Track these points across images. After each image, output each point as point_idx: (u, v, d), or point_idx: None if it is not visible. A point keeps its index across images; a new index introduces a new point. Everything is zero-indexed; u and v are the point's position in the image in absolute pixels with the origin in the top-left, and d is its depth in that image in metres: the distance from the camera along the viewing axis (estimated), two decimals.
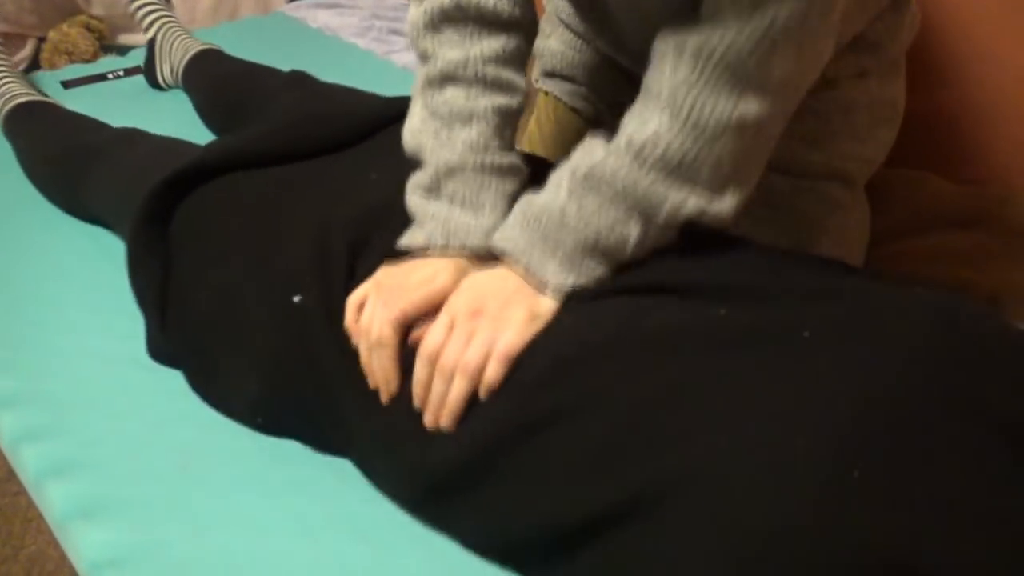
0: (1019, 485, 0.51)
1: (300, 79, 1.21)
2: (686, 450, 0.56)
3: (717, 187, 0.68)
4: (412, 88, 0.80)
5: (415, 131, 0.78)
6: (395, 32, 1.84)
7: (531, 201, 0.72)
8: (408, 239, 0.77)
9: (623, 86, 1.05)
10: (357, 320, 0.74)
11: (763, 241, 0.97)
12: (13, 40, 1.98)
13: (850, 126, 0.99)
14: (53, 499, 0.78)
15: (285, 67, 1.29)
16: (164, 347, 0.91)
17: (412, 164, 0.84)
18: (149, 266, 0.89)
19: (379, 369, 0.72)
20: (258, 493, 0.78)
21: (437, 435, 0.68)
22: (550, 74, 1.14)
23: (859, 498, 0.50)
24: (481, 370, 0.66)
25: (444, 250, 0.74)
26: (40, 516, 0.83)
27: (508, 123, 0.78)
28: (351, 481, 0.78)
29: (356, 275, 0.77)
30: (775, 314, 0.62)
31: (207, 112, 1.40)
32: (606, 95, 1.10)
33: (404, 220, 0.78)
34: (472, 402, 0.68)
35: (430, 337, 0.69)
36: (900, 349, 0.57)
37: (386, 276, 0.74)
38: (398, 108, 0.97)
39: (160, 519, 0.75)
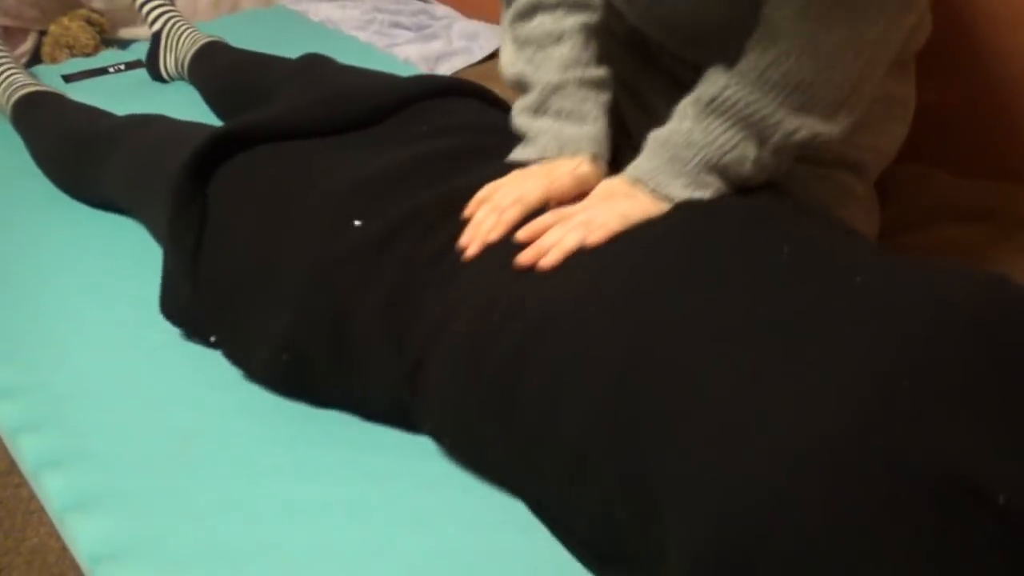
0: None
1: (315, 62, 1.19)
2: (733, 367, 0.57)
3: (831, 111, 0.75)
4: (501, 27, 0.89)
5: (510, 63, 0.87)
6: (397, 25, 1.84)
7: (658, 132, 0.78)
8: (521, 153, 0.84)
9: (638, 66, 1.06)
10: (486, 200, 0.76)
11: None
12: (14, 34, 1.97)
13: (866, 117, 1.00)
14: (51, 490, 0.77)
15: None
16: (185, 299, 0.89)
17: (457, 129, 0.91)
18: (189, 217, 0.88)
19: (495, 223, 0.74)
20: (255, 479, 0.77)
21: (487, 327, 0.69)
22: None
23: (904, 408, 0.51)
24: (601, 227, 0.72)
25: (559, 159, 0.81)
26: (42, 508, 0.82)
27: (592, 36, 0.87)
28: (348, 465, 0.78)
29: (422, 200, 0.78)
30: (831, 261, 0.64)
31: (217, 99, 1.39)
32: (621, 75, 1.10)
33: (465, 168, 0.82)
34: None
35: (564, 208, 0.76)
36: (946, 301, 0.58)
37: (527, 171, 0.80)
38: (428, 85, 0.99)
39: (159, 509, 0.75)
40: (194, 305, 0.89)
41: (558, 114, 0.83)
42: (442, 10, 1.91)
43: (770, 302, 0.61)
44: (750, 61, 0.74)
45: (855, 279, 0.62)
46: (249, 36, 1.61)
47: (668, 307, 0.63)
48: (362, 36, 1.78)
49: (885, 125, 1.03)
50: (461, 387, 0.72)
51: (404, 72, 1.55)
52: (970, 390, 0.53)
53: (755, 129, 0.74)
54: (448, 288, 0.73)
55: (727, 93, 0.74)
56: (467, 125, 0.89)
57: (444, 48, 1.73)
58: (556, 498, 0.68)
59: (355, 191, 0.82)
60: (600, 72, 0.85)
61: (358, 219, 0.79)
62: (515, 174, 0.79)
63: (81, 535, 0.73)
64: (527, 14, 0.86)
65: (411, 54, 1.69)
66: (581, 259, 0.70)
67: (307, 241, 0.81)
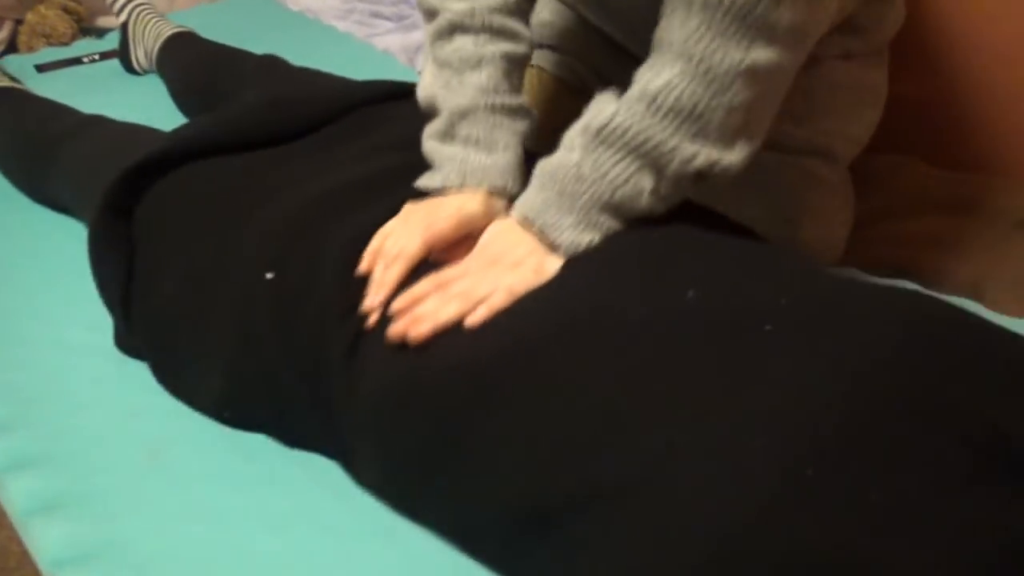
0: (976, 492, 0.50)
1: (272, 64, 1.19)
2: (644, 445, 0.55)
3: (728, 138, 0.70)
4: (423, 50, 0.84)
5: (427, 86, 0.82)
6: (377, 15, 1.82)
7: (546, 162, 0.74)
8: (425, 181, 0.79)
9: (610, 55, 1.06)
10: (379, 250, 0.73)
11: (748, 216, 0.98)
12: None
13: (834, 104, 1.01)
14: (14, 493, 0.76)
15: (264, 50, 1.27)
16: (128, 340, 0.89)
17: (386, 145, 0.85)
18: (111, 258, 0.87)
19: (385, 279, 0.71)
20: (225, 487, 0.76)
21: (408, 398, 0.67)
22: (537, 45, 1.15)
23: (812, 499, 0.49)
24: (481, 301, 0.67)
25: (461, 190, 0.76)
26: (2, 511, 0.81)
27: (515, 68, 0.81)
28: (318, 475, 0.77)
29: (328, 251, 0.75)
30: (742, 303, 0.61)
31: (181, 97, 1.38)
32: (593, 64, 1.11)
33: (379, 197, 0.78)
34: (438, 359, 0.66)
35: (445, 271, 0.71)
36: (862, 349, 0.55)
37: (414, 208, 0.76)
38: (368, 91, 0.96)
39: (124, 514, 0.74)
40: (134, 346, 0.89)
41: (466, 141, 0.78)
42: None
43: (675, 373, 0.58)
44: (641, 86, 0.70)
45: (765, 328, 0.58)
46: (228, 25, 1.60)
47: (572, 389, 0.60)
48: (341, 26, 1.77)
49: (855, 111, 1.02)
50: (382, 463, 0.71)
51: (381, 64, 1.55)
52: (885, 465, 0.50)
53: (649, 159, 0.69)
54: (356, 358, 0.70)
55: (617, 121, 0.69)
56: (402, 139, 0.85)
57: (424, 38, 1.72)
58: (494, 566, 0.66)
59: (268, 236, 0.78)
60: (516, 100, 0.80)
61: (270, 271, 0.76)
62: (402, 213, 0.75)
63: (43, 539, 0.72)
64: (447, 34, 0.80)
65: (390, 44, 1.68)
66: (460, 335, 0.66)
67: (229, 296, 0.79)
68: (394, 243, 0.73)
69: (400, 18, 1.82)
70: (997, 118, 1.21)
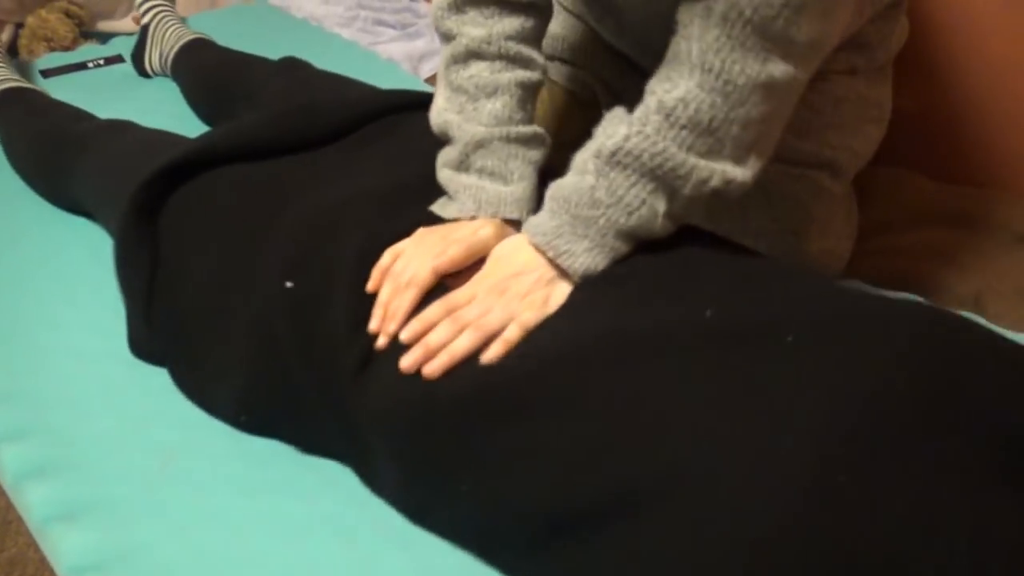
0: (994, 492, 0.51)
1: (292, 66, 1.19)
2: (671, 452, 0.56)
3: (742, 153, 0.70)
4: (437, 71, 0.83)
5: (440, 110, 0.81)
6: (380, 23, 1.82)
7: (559, 186, 0.73)
8: (440, 210, 0.79)
9: (621, 69, 1.07)
10: (388, 269, 0.74)
11: (754, 228, 0.99)
12: None
13: (839, 118, 1.02)
14: (32, 501, 0.77)
15: (268, 57, 1.27)
16: (148, 343, 0.90)
17: (407, 157, 0.85)
18: (137, 259, 0.88)
19: (396, 307, 0.71)
20: (240, 494, 0.77)
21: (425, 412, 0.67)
22: (549, 57, 1.16)
23: (840, 505, 0.50)
24: (496, 333, 0.68)
25: (475, 218, 0.77)
26: (20, 518, 0.81)
27: (529, 96, 0.82)
28: (332, 482, 0.78)
29: (341, 264, 0.76)
30: (760, 317, 0.62)
31: (196, 100, 1.38)
32: (604, 77, 1.12)
33: (396, 211, 0.79)
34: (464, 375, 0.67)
35: (454, 294, 0.71)
36: (884, 356, 0.57)
37: (428, 232, 0.76)
38: (391, 100, 0.97)
39: (141, 521, 0.74)
40: (154, 348, 0.89)
41: (481, 172, 0.78)
42: (426, 8, 1.90)
43: (694, 389, 0.58)
44: (657, 99, 0.69)
45: (786, 339, 0.59)
46: (231, 32, 1.60)
47: (587, 406, 0.61)
48: (345, 33, 1.77)
49: (859, 126, 1.04)
50: (399, 478, 0.71)
51: (386, 72, 1.55)
52: (913, 466, 0.52)
53: (663, 182, 0.69)
54: (366, 376, 0.71)
55: (630, 144, 0.68)
56: (419, 151, 0.85)
57: (428, 47, 1.73)
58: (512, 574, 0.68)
59: (290, 243, 0.79)
60: (530, 130, 0.80)
61: (290, 279, 0.76)
62: (415, 236, 0.75)
63: (62, 546, 0.73)
64: (463, 60, 0.80)
65: (394, 53, 1.69)
66: (475, 359, 0.67)
67: (249, 302, 0.79)
68: (405, 266, 0.73)
69: (404, 26, 1.83)
70: (998, 132, 1.22)
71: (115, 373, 0.91)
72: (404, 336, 0.69)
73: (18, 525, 0.91)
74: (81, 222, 1.15)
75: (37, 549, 0.87)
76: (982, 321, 0.97)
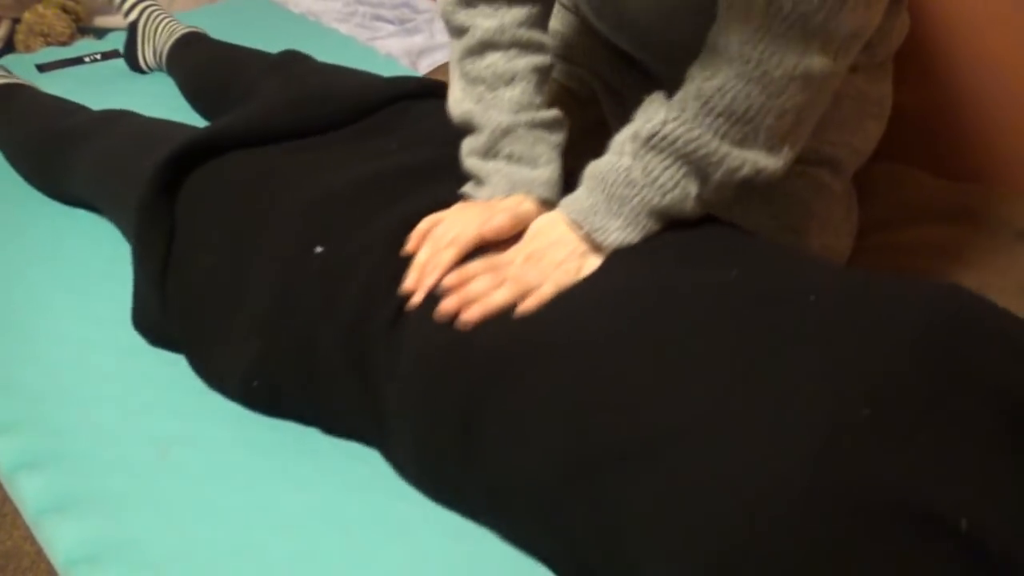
0: (1004, 448, 0.53)
1: (291, 59, 1.18)
2: (694, 397, 0.57)
3: (775, 143, 0.72)
4: (450, 62, 0.85)
5: (458, 101, 0.83)
6: (379, 18, 1.82)
7: (595, 165, 0.76)
8: (472, 192, 0.80)
9: (619, 66, 1.07)
10: (427, 232, 0.75)
11: (755, 225, 0.99)
12: None
13: (840, 115, 1.02)
14: (27, 493, 0.76)
15: (266, 52, 1.27)
16: (155, 316, 0.89)
17: (425, 139, 0.87)
18: (156, 233, 0.87)
19: (434, 265, 0.72)
20: (237, 485, 0.76)
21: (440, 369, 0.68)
22: None
23: (863, 439, 0.51)
24: (532, 290, 0.69)
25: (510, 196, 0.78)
26: (15, 511, 0.81)
27: (544, 79, 0.84)
28: (331, 472, 0.77)
29: (379, 228, 0.77)
30: (783, 281, 0.64)
31: (193, 94, 1.38)
32: (602, 74, 1.12)
33: (426, 185, 0.81)
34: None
35: (495, 256, 0.73)
36: (901, 317, 0.58)
37: (469, 204, 0.78)
38: (403, 87, 0.98)
39: (137, 512, 0.74)
40: (164, 322, 0.89)
41: (509, 158, 0.80)
42: (424, 4, 1.90)
43: (722, 335, 0.60)
44: (696, 85, 0.71)
45: (809, 298, 0.61)
46: (229, 27, 1.59)
47: (621, 350, 0.62)
48: (343, 28, 1.77)
49: (860, 123, 1.04)
50: (419, 433, 0.71)
51: (384, 68, 1.55)
52: (928, 413, 0.53)
53: (696, 166, 0.71)
54: (398, 330, 0.72)
55: (667, 129, 0.71)
56: (434, 134, 0.87)
57: (426, 43, 1.73)
58: (526, 540, 0.68)
59: (317, 211, 0.80)
60: (552, 113, 0.82)
61: (319, 245, 0.77)
62: (456, 207, 0.78)
63: (57, 538, 0.72)
64: (478, 51, 0.83)
65: (393, 48, 1.68)
66: (510, 311, 0.69)
67: (271, 267, 0.80)
68: (447, 229, 0.75)
69: (402, 21, 1.83)
70: (998, 128, 1.22)
71: (112, 364, 0.90)
72: (446, 282, 0.71)
73: (13, 517, 0.91)
74: (78, 213, 1.14)
75: (33, 541, 0.86)
76: None
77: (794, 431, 0.53)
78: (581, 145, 0.84)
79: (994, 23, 1.19)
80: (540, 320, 0.68)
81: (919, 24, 1.19)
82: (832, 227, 1.05)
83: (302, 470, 0.78)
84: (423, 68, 1.68)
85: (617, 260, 0.72)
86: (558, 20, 1.14)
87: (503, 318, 0.69)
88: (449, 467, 0.71)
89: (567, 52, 1.14)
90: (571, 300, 0.68)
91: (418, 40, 1.72)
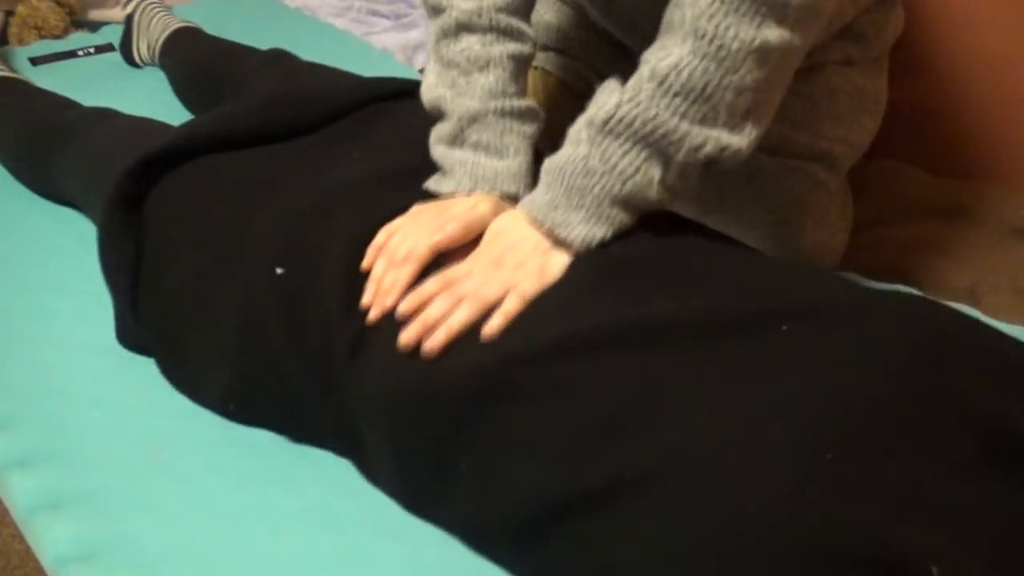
0: (982, 479, 0.52)
1: (279, 57, 1.18)
2: (664, 438, 0.56)
3: (737, 120, 0.69)
4: (428, 46, 0.83)
5: (431, 86, 0.80)
6: (374, 13, 1.81)
7: (552, 159, 0.73)
8: (435, 185, 0.78)
9: (614, 57, 1.06)
10: (382, 247, 0.73)
11: (750, 221, 0.99)
12: None
13: (835, 110, 1.02)
14: (17, 491, 0.76)
15: (261, 47, 1.26)
16: (134, 333, 0.89)
17: (396, 144, 0.84)
18: (122, 247, 0.87)
19: (391, 283, 0.70)
20: (228, 485, 0.76)
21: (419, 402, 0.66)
22: (542, 48, 1.15)
23: (832, 484, 0.50)
24: (494, 304, 0.67)
25: (472, 195, 0.76)
26: (5, 509, 0.81)
27: (521, 69, 0.81)
28: (323, 472, 0.77)
29: (333, 247, 0.75)
30: (755, 308, 0.62)
31: (184, 90, 1.37)
32: (596, 67, 1.11)
33: (388, 196, 0.78)
34: (453, 360, 0.66)
35: (451, 269, 0.70)
36: (874, 345, 0.57)
37: (423, 209, 0.75)
38: (378, 88, 0.96)
39: (128, 511, 0.74)
40: (141, 338, 0.88)
41: (475, 146, 0.77)
42: None
43: (696, 371, 0.58)
44: (650, 67, 0.68)
45: (782, 328, 0.59)
46: (224, 22, 1.59)
47: (592, 388, 0.60)
48: (339, 23, 1.76)
49: (855, 118, 1.03)
50: (395, 468, 0.70)
51: (379, 63, 1.54)
52: (903, 445, 0.52)
53: (657, 148, 0.68)
54: (360, 358, 0.70)
55: (622, 112, 0.68)
56: (405, 137, 0.85)
57: (422, 37, 1.72)
58: (510, 568, 0.67)
59: (278, 231, 0.78)
60: (524, 103, 0.79)
61: (280, 266, 0.75)
62: (410, 213, 0.75)
63: (46, 537, 0.72)
64: (454, 33, 0.79)
65: (388, 43, 1.67)
66: (474, 335, 0.66)
67: (236, 289, 0.79)
68: (401, 242, 0.72)
69: (397, 16, 1.82)
70: (993, 125, 1.22)
71: (103, 363, 0.90)
72: (401, 309, 0.68)
73: (2, 516, 0.91)
74: (67, 212, 1.14)
75: (22, 540, 0.86)
76: (976, 314, 0.97)
77: (761, 478, 0.51)
78: None
79: (989, 19, 1.19)
80: (504, 355, 0.64)
81: (915, 20, 1.18)
82: (827, 223, 1.04)
83: (294, 470, 0.77)
84: (419, 63, 1.67)
85: (582, 284, 0.69)
86: (553, 13, 1.14)
87: (467, 350, 0.65)
88: (428, 504, 0.70)
89: (563, 45, 1.13)
90: (535, 332, 0.65)
91: (414, 35, 1.71)
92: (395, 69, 1.53)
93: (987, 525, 0.50)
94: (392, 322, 0.69)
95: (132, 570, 0.69)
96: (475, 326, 0.67)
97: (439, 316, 0.67)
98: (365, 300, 0.71)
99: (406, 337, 0.67)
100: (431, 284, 0.70)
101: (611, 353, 0.61)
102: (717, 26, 0.66)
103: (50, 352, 0.91)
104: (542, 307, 0.67)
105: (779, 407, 0.54)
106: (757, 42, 0.66)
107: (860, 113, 1.04)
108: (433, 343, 0.66)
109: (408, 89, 0.95)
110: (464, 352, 0.66)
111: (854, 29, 1.00)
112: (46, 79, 1.38)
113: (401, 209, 0.76)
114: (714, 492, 0.52)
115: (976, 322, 0.61)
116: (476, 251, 0.72)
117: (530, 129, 0.79)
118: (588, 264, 0.70)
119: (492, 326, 0.66)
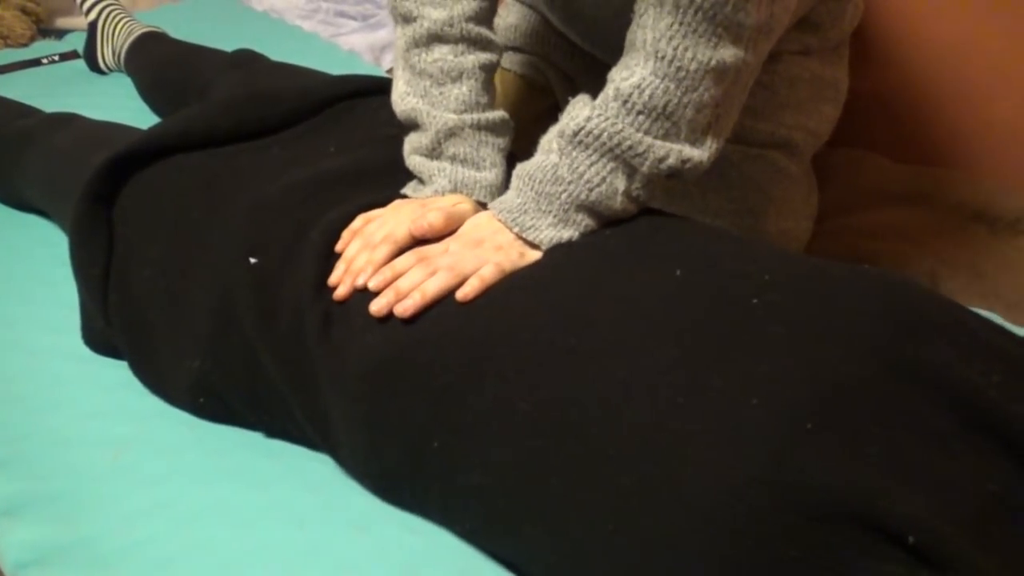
0: (956, 447, 0.52)
1: (245, 58, 1.18)
2: (640, 414, 0.56)
3: (698, 135, 0.72)
4: (394, 52, 0.83)
5: (403, 95, 0.82)
6: (342, 15, 1.81)
7: (524, 166, 0.75)
8: (413, 192, 0.80)
9: (572, 55, 1.08)
10: (359, 231, 0.73)
11: (714, 209, 0.99)
12: None
13: (795, 98, 1.03)
14: None
15: (229, 50, 1.26)
16: (103, 332, 0.88)
17: (367, 140, 0.85)
18: (93, 245, 0.86)
19: (364, 262, 0.71)
20: (191, 484, 0.76)
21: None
22: (505, 48, 1.16)
23: (812, 451, 0.51)
24: (469, 275, 0.68)
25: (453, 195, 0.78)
26: None
27: (491, 78, 0.83)
28: (286, 468, 0.77)
29: (309, 236, 0.75)
30: (726, 280, 0.63)
31: (150, 94, 1.37)
32: (555, 60, 1.13)
33: (363, 189, 0.79)
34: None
35: (426, 247, 0.72)
36: (848, 316, 0.58)
37: (405, 202, 0.77)
38: (348, 85, 0.97)
39: (88, 515, 0.73)
40: (109, 336, 0.88)
41: (453, 159, 0.80)
42: None
43: (668, 341, 0.59)
44: (615, 86, 0.71)
45: (753, 302, 0.60)
46: (192, 26, 1.58)
47: (572, 362, 0.61)
48: (306, 25, 1.76)
49: (815, 106, 1.05)
50: (366, 446, 0.70)
51: (347, 64, 1.54)
52: (881, 416, 0.53)
53: (622, 160, 0.71)
54: (331, 329, 0.70)
55: (591, 125, 0.71)
56: (375, 133, 0.85)
57: (389, 37, 1.72)
58: (488, 549, 0.67)
59: (251, 221, 0.79)
60: (498, 115, 0.82)
61: (253, 256, 0.76)
62: (391, 206, 0.76)
63: (6, 541, 0.71)
64: (426, 43, 0.81)
65: (356, 44, 1.68)
66: (451, 306, 0.67)
67: (208, 280, 0.79)
68: (378, 228, 0.73)
69: (365, 17, 1.82)
70: (954, 113, 1.23)
71: (66, 369, 0.89)
72: (373, 283, 0.69)
73: None
74: (32, 218, 1.13)
75: None
76: None
77: (744, 443, 0.52)
78: (535, 131, 0.82)
79: (947, 9, 1.20)
80: (476, 331, 0.65)
81: (874, 11, 1.20)
82: (791, 211, 1.05)
83: (256, 469, 0.77)
84: (387, 63, 1.68)
85: (556, 263, 0.71)
86: (515, 14, 1.15)
87: (439, 325, 0.66)
88: (400, 485, 0.70)
89: (521, 42, 1.15)
90: (509, 308, 0.66)
91: (381, 35, 1.71)
92: (363, 70, 1.53)
93: (964, 496, 0.51)
94: (364, 299, 0.69)
95: (92, 573, 0.68)
96: (449, 297, 0.67)
97: (412, 286, 0.68)
98: (333, 278, 0.71)
99: (377, 305, 0.68)
100: (405, 259, 0.71)
101: (584, 330, 0.62)
102: (676, 48, 0.69)
103: (13, 360, 0.91)
104: (516, 287, 0.68)
105: (759, 378, 0.55)
106: (714, 62, 0.69)
107: (820, 101, 1.05)
108: (404, 307, 0.67)
109: (379, 86, 0.95)
110: (435, 329, 0.66)
111: (811, 19, 1.02)
112: (10, 88, 1.37)
113: (376, 203, 0.77)
114: (697, 466, 0.53)
115: (945, 299, 0.62)
116: (454, 235, 0.73)
117: (503, 141, 0.82)
118: (565, 247, 0.72)
119: (467, 290, 0.67)
